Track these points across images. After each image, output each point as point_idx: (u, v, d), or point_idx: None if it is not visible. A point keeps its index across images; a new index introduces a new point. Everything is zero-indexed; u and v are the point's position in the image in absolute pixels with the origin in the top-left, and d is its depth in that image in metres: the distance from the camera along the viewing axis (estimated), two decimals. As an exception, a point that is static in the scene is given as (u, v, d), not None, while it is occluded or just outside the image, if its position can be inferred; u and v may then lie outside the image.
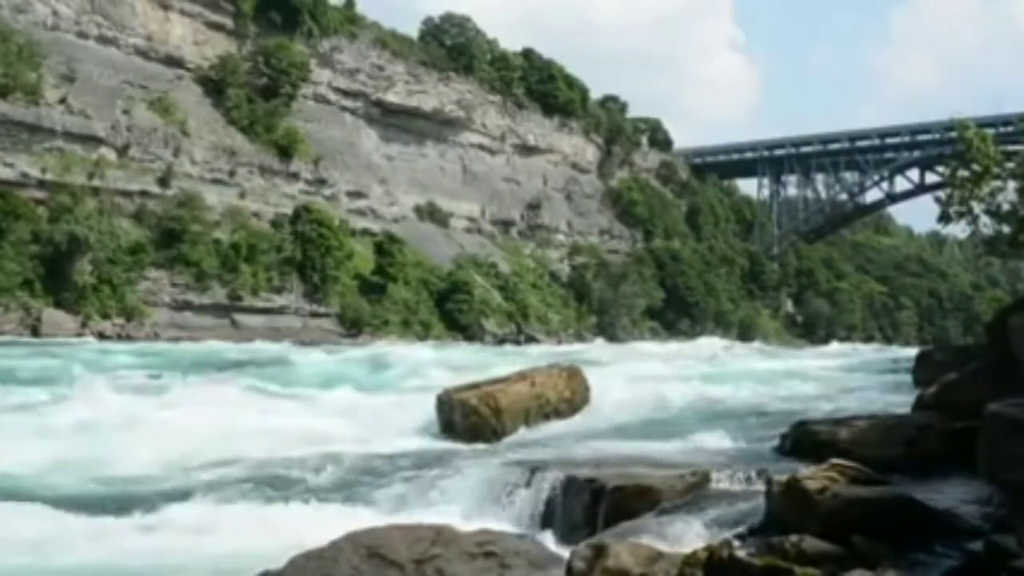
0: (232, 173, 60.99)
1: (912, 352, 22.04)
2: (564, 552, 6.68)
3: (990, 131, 21.56)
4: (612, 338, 69.68)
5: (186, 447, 12.03)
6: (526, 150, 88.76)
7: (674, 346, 47.08)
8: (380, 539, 7.10)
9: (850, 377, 22.68)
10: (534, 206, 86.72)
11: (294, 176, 65.72)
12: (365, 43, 75.58)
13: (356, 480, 10.33)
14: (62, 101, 52.44)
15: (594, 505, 8.16)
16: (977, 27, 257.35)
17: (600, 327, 77.22)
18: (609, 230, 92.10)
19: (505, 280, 75.60)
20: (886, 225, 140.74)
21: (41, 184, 49.09)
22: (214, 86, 63.64)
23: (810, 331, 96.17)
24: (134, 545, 8.07)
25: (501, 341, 62.58)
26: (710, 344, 47.59)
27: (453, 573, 6.76)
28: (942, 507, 6.93)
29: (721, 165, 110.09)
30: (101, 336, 45.24)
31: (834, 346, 61.15)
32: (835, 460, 7.42)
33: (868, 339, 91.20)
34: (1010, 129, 35.37)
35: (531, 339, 66.25)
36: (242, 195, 60.62)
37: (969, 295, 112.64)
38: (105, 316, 47.58)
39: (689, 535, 7.04)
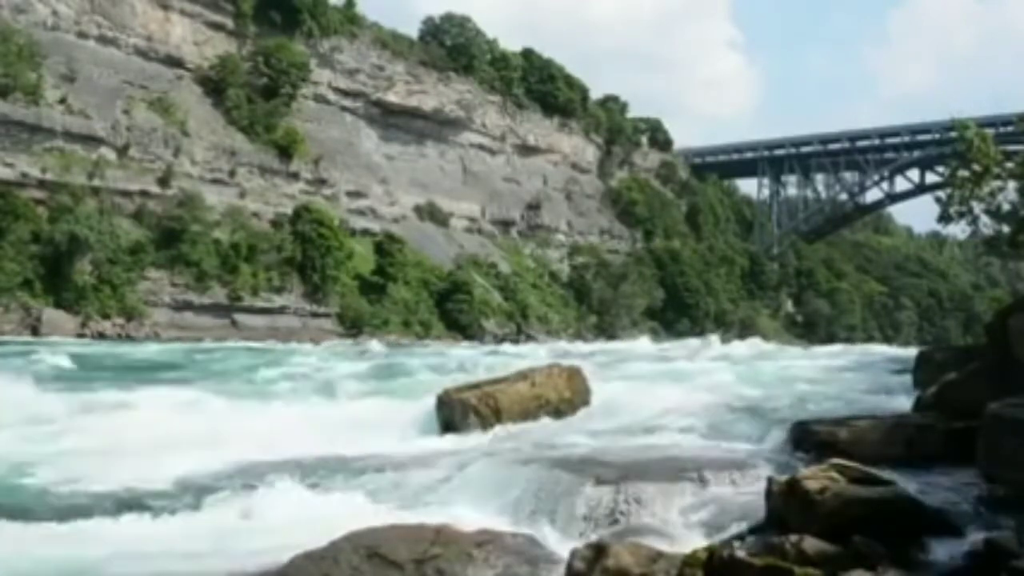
0: (232, 173, 61.01)
1: (912, 352, 22.03)
2: (564, 552, 6.68)
3: (990, 131, 21.56)
4: (612, 337, 69.63)
5: (234, 448, 12.09)
6: (526, 150, 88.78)
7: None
8: (380, 539, 7.11)
9: (851, 377, 22.66)
10: (534, 206, 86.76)
11: (294, 176, 65.76)
12: (365, 43, 75.63)
13: (356, 479, 10.32)
14: (62, 101, 52.46)
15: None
16: (974, 27, 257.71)
17: (600, 327, 77.24)
18: (609, 230, 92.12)
19: (505, 280, 75.62)
20: (886, 225, 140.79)
21: (41, 184, 49.11)
22: (214, 86, 63.68)
23: (810, 331, 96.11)
24: (150, 537, 8.13)
25: (502, 341, 62.56)
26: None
27: (453, 573, 6.77)
28: (942, 507, 6.93)
29: (721, 165, 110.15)
30: (101, 336, 45.25)
31: (871, 347, 58.84)
32: (835, 460, 7.42)
33: (868, 339, 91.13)
34: (1010, 129, 35.30)
35: (531, 339, 66.21)
36: (242, 195, 60.64)
37: (969, 295, 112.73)
38: (105, 316, 47.60)
39: (689, 535, 7.04)
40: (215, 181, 59.43)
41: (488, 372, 18.56)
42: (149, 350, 34.39)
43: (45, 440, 12.61)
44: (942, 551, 6.05)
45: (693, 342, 47.33)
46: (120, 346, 38.25)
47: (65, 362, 24.59)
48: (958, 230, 21.83)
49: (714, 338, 50.53)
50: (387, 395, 17.46)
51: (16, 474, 10.61)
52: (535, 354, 32.08)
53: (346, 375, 22.80)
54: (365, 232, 68.75)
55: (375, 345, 42.46)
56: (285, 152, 65.21)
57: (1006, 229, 19.27)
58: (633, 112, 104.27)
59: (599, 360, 26.10)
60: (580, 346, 47.59)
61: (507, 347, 45.00)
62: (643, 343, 47.13)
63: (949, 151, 57.41)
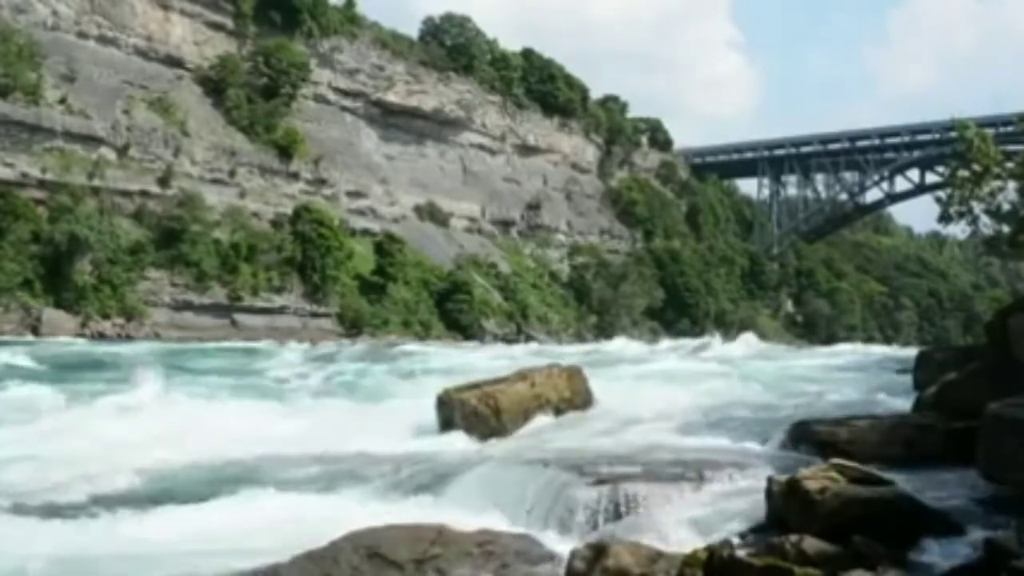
0: (232, 173, 60.99)
1: (912, 352, 22.01)
2: (564, 552, 6.68)
3: (990, 131, 21.53)
4: (612, 337, 69.55)
5: (202, 447, 12.10)
6: (526, 150, 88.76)
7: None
8: (380, 539, 7.11)
9: (851, 377, 22.66)
10: (534, 206, 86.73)
11: (294, 176, 65.74)
12: (365, 43, 75.61)
13: (356, 480, 10.33)
14: (62, 101, 52.44)
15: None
16: (974, 27, 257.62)
17: (600, 327, 77.23)
18: (609, 230, 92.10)
19: (505, 280, 75.60)
20: (886, 225, 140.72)
21: (41, 184, 49.10)
22: (214, 86, 63.66)
23: (810, 331, 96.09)
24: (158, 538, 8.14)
25: (503, 341, 62.54)
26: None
27: (453, 573, 6.77)
28: (942, 507, 6.93)
29: (721, 165, 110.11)
30: (101, 336, 45.22)
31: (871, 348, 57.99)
32: (835, 460, 7.43)
33: (868, 339, 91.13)
34: (1010, 129, 35.29)
35: (531, 339, 66.18)
36: (242, 195, 60.62)
37: (969, 295, 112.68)
38: (105, 316, 47.59)
39: (689, 535, 7.04)
40: (215, 181, 59.41)
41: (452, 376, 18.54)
42: (124, 350, 34.11)
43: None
44: (942, 551, 6.05)
45: (691, 342, 47.19)
46: (98, 346, 38.13)
47: (22, 361, 24.44)
48: (958, 230, 21.82)
49: (715, 339, 50.29)
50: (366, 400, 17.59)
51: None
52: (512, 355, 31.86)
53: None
54: (365, 232, 68.74)
55: (354, 348, 41.42)
56: (285, 152, 65.20)
57: (1006, 229, 19.26)
58: (633, 112, 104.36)
59: (589, 359, 26.09)
60: (563, 348, 47.18)
61: (499, 348, 44.90)
62: (632, 345, 46.70)
63: (949, 151, 57.34)
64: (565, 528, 7.96)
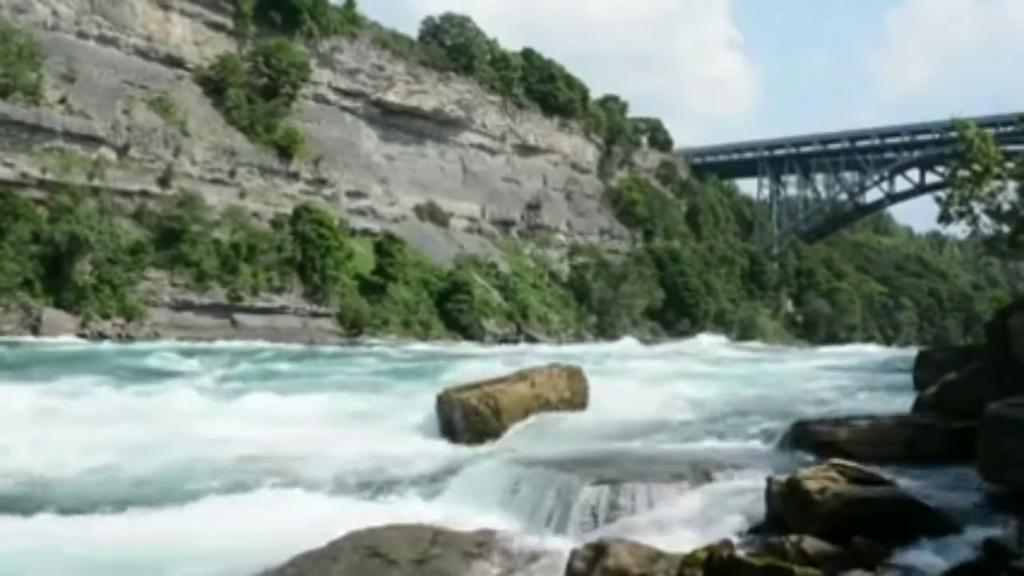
0: (232, 173, 60.93)
1: (912, 352, 22.01)
2: (564, 552, 6.68)
3: (990, 131, 21.51)
4: (613, 338, 69.65)
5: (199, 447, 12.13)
6: (526, 150, 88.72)
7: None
8: (380, 539, 7.12)
9: (851, 377, 22.68)
10: (534, 206, 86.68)
11: (294, 176, 65.67)
12: (365, 43, 75.55)
13: (356, 480, 10.33)
14: (62, 101, 52.39)
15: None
16: (974, 26, 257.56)
17: (600, 327, 77.26)
18: (609, 230, 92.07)
19: (505, 280, 75.58)
20: (886, 225, 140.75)
21: (41, 184, 49.03)
22: (214, 86, 63.58)
23: (810, 331, 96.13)
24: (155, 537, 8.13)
25: (502, 341, 62.59)
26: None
27: (453, 573, 6.77)
28: (942, 507, 6.93)
29: (721, 165, 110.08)
30: (101, 336, 45.19)
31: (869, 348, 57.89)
32: (835, 460, 7.44)
33: (868, 339, 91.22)
34: (1010, 129, 35.24)
35: (531, 339, 66.22)
36: (242, 195, 60.55)
37: (969, 295, 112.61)
38: (105, 316, 47.50)
39: (689, 535, 7.04)
40: (215, 181, 59.33)
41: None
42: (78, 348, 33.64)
43: None
44: (942, 551, 6.05)
45: (685, 343, 47.34)
46: (75, 344, 38.06)
47: None
48: (958, 230, 21.80)
49: (706, 337, 50.45)
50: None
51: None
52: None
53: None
54: (365, 232, 68.68)
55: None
56: (285, 152, 65.13)
57: (1006, 229, 19.24)
58: (633, 112, 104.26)
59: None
60: (544, 348, 46.86)
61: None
62: (629, 344, 46.59)
63: (949, 151, 57.37)
64: (565, 528, 7.96)
